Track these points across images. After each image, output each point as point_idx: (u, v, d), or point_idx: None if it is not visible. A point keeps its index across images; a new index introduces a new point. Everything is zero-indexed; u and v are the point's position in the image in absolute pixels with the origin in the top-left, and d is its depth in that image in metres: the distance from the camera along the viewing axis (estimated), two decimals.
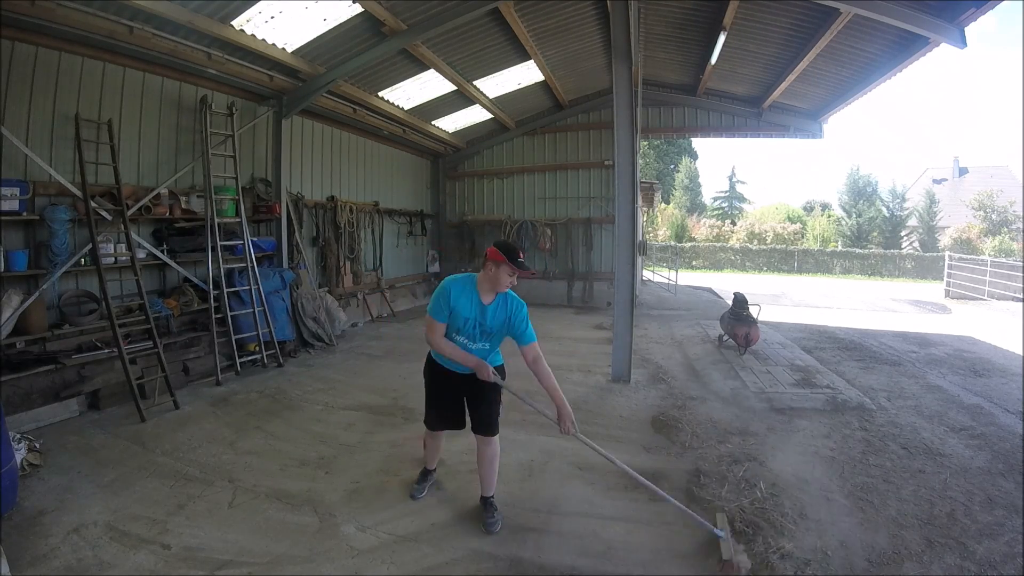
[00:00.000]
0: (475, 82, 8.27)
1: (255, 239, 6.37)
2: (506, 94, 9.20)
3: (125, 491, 3.08)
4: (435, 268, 11.66)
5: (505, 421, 4.24)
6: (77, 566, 2.39)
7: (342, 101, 7.56)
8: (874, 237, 28.89)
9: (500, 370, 2.84)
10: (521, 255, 2.62)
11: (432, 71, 7.44)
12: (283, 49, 5.90)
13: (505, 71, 8.19)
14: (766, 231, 31.05)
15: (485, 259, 2.66)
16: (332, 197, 8.24)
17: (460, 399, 2.86)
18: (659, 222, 30.68)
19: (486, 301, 2.66)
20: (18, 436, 3.39)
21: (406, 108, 8.61)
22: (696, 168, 39.33)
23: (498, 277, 2.61)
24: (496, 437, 2.86)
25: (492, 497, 2.89)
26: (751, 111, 10.30)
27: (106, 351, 4.55)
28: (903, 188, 30.29)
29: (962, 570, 2.42)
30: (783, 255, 27.51)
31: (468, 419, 2.90)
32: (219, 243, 5.62)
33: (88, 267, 4.63)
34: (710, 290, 14.13)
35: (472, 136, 11.26)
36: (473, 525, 2.78)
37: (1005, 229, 26.70)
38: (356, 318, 8.68)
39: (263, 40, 5.59)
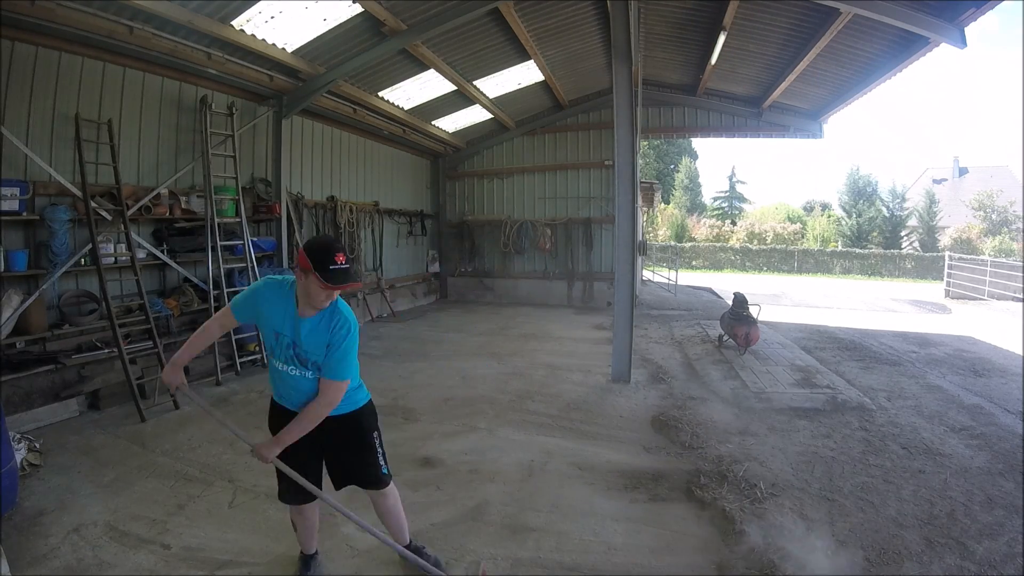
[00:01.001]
0: (475, 82, 8.27)
1: (255, 239, 6.37)
2: (506, 94, 9.20)
3: (125, 491, 3.08)
4: (435, 268, 11.66)
5: (504, 421, 4.31)
6: (77, 566, 2.39)
7: (342, 101, 7.56)
8: (874, 237, 28.87)
9: (366, 411, 2.20)
10: (341, 259, 1.87)
11: (432, 71, 7.44)
12: (283, 49, 5.90)
13: (505, 71, 8.19)
14: (766, 231, 31.06)
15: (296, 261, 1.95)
16: (332, 197, 8.24)
17: (314, 451, 2.13)
18: (659, 222, 30.69)
19: (303, 314, 1.97)
20: (18, 436, 3.38)
21: (406, 108, 8.61)
22: (696, 168, 39.33)
23: (308, 290, 1.90)
24: (389, 488, 2.26)
25: (411, 542, 2.37)
26: (751, 111, 10.29)
27: (106, 351, 4.55)
28: (903, 188, 30.30)
29: (962, 570, 2.42)
30: (783, 255, 27.51)
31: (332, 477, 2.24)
32: (219, 243, 5.62)
33: (88, 267, 4.63)
34: (710, 290, 14.14)
35: (472, 136, 11.26)
36: (472, 525, 2.78)
37: (1005, 229, 26.72)
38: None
39: (263, 40, 5.59)
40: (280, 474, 2.13)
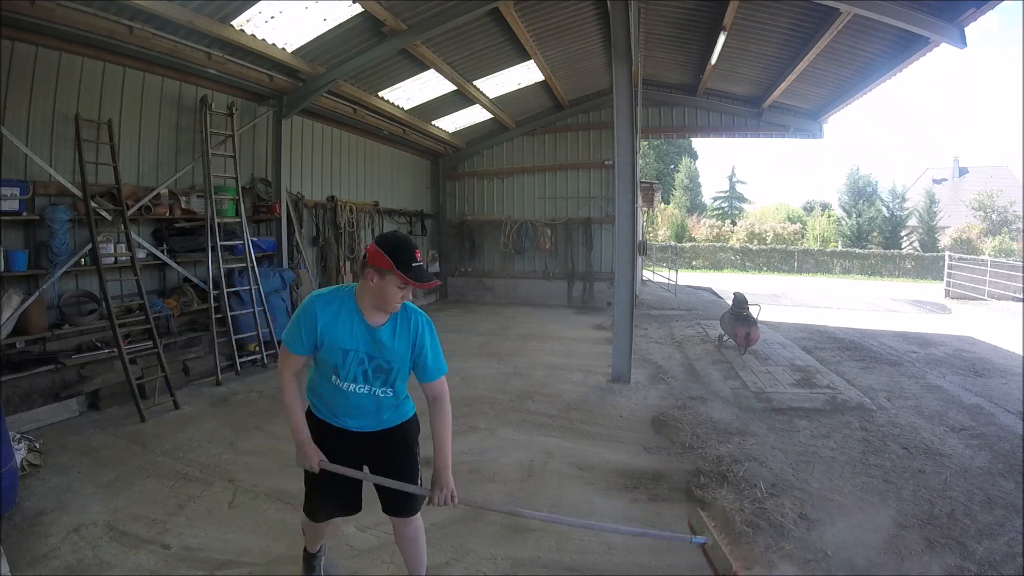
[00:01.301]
0: (475, 82, 8.27)
1: (255, 239, 6.37)
2: (506, 94, 9.20)
3: (125, 491, 3.08)
4: (435, 268, 11.66)
5: (504, 421, 4.31)
6: (77, 566, 2.39)
7: (342, 101, 7.56)
8: (874, 237, 28.87)
9: (413, 423, 2.04)
10: (418, 256, 1.76)
11: (432, 71, 7.44)
12: (283, 49, 5.90)
13: (505, 71, 8.19)
14: (766, 231, 31.08)
15: (363, 261, 1.78)
16: (332, 197, 8.24)
17: (358, 467, 1.97)
18: (659, 222, 30.69)
19: (375, 322, 1.82)
20: (18, 436, 3.38)
21: (406, 108, 8.61)
22: (696, 168, 39.34)
23: (383, 291, 1.74)
24: (418, 515, 2.05)
25: None
26: (751, 111, 10.30)
27: (106, 351, 4.55)
28: (903, 188, 30.29)
29: (962, 570, 2.42)
30: (783, 255, 27.52)
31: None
32: (219, 243, 5.62)
33: (88, 267, 4.63)
34: (710, 290, 14.14)
35: (472, 136, 11.26)
36: (473, 525, 2.78)
37: (1005, 229, 26.72)
38: None
39: (263, 40, 5.59)
40: (314, 489, 2.00)
